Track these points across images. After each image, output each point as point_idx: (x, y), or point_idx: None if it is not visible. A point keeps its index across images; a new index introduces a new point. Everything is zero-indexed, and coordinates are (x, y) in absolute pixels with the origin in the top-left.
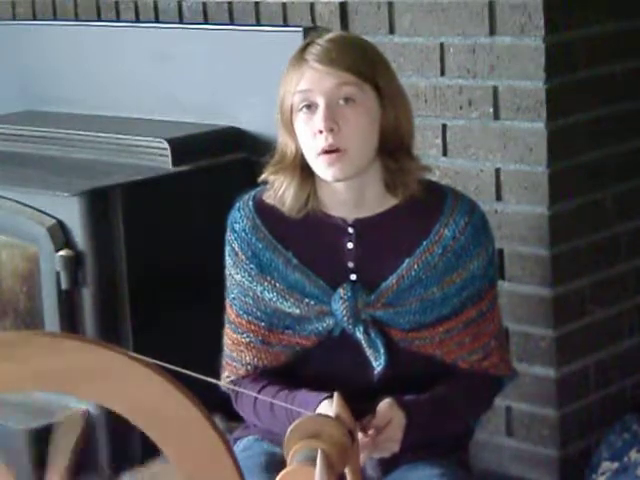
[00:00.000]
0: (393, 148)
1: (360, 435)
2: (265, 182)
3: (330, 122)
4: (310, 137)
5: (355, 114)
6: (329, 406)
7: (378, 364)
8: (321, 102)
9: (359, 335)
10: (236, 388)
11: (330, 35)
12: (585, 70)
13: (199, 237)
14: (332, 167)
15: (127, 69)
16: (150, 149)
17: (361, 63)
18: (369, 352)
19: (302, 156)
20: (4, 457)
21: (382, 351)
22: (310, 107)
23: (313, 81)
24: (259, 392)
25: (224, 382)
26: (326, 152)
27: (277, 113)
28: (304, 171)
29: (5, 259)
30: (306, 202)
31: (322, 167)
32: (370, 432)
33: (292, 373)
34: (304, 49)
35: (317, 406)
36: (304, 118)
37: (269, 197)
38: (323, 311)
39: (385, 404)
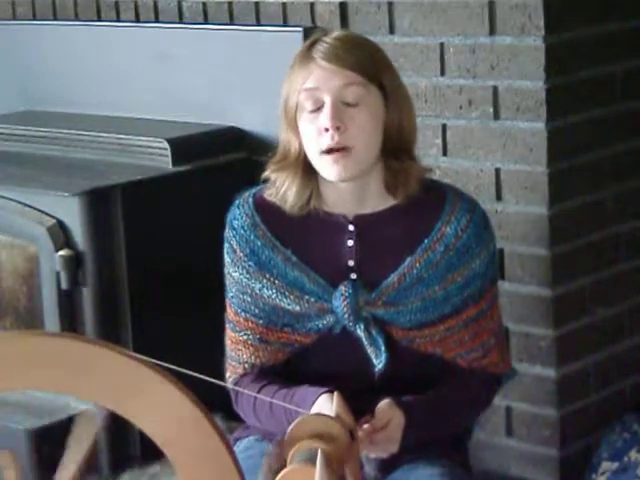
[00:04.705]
0: (396, 149)
1: (359, 434)
2: (267, 180)
3: (337, 121)
4: (315, 135)
5: (361, 114)
6: (326, 401)
7: (379, 362)
8: (328, 101)
9: (360, 333)
10: (236, 388)
11: (337, 33)
12: (585, 70)
13: (199, 237)
14: (337, 165)
15: (127, 69)
16: (150, 149)
17: (367, 63)
18: (370, 350)
19: (305, 154)
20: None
21: (383, 349)
22: (315, 106)
23: (320, 79)
24: (258, 392)
25: (227, 383)
26: (331, 150)
27: (281, 110)
28: (306, 169)
29: (5, 259)
30: (308, 200)
31: (326, 165)
32: (364, 427)
33: (293, 371)
34: (311, 46)
35: (314, 402)
36: (310, 117)
37: (270, 195)
38: (323, 308)
39: (384, 404)
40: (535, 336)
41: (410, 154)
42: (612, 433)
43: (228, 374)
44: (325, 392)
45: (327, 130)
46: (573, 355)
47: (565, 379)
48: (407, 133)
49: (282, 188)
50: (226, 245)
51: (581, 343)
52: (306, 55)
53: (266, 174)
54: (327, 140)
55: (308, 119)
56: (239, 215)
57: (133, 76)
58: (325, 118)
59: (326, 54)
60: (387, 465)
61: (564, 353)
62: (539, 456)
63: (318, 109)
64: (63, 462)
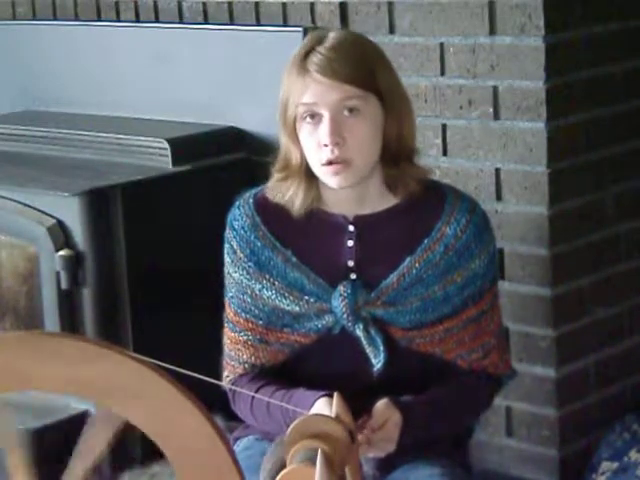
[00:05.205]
0: (395, 153)
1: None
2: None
3: (335, 136)
4: (314, 148)
5: (359, 124)
6: (325, 404)
7: (377, 361)
8: (326, 114)
9: (359, 333)
10: (234, 387)
11: (331, 41)
12: (585, 70)
13: (199, 237)
14: (337, 176)
15: (127, 69)
16: (150, 149)
17: (364, 73)
18: (369, 350)
19: (307, 162)
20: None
21: (382, 349)
22: (314, 117)
23: (317, 94)
24: (256, 391)
25: (224, 382)
26: (331, 163)
27: (279, 116)
28: (309, 174)
29: (5, 259)
30: (310, 202)
31: (327, 176)
32: (365, 432)
33: (291, 372)
34: (305, 56)
35: (313, 404)
36: (309, 128)
37: (274, 198)
38: (323, 309)
39: (381, 404)
40: (535, 336)
41: (410, 159)
42: (612, 433)
43: (226, 373)
44: (323, 395)
45: (326, 145)
46: (573, 355)
47: (565, 379)
48: (406, 139)
49: (288, 194)
50: (226, 246)
51: (581, 343)
52: (301, 67)
53: (270, 184)
54: (327, 154)
55: (307, 131)
56: (239, 216)
57: (133, 76)
58: (324, 134)
59: (321, 67)
60: (386, 464)
61: (564, 353)
62: (539, 456)
63: (316, 121)
64: (70, 466)
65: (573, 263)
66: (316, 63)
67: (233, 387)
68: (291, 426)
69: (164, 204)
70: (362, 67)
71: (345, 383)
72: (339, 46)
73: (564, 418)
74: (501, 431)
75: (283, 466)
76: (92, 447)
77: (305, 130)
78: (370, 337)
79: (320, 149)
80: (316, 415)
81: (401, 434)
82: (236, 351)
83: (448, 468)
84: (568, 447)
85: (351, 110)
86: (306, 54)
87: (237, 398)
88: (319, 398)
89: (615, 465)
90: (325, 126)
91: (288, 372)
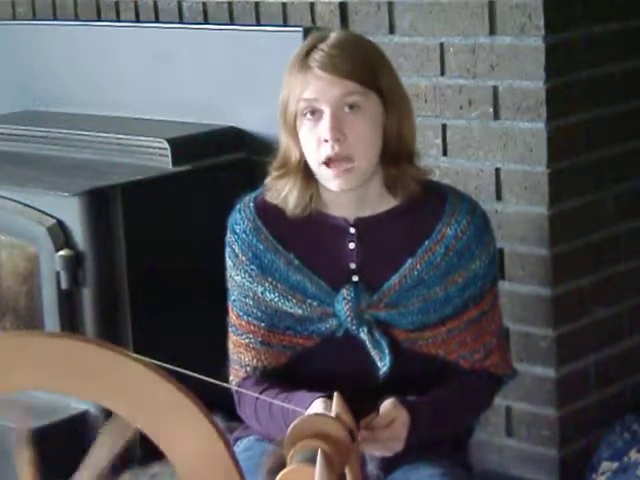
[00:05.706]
0: (395, 155)
1: (363, 432)
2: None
3: (336, 132)
4: (314, 145)
5: (360, 121)
6: (322, 405)
7: (383, 364)
8: (326, 110)
9: (363, 336)
10: (238, 389)
11: (333, 39)
12: (585, 70)
13: (199, 237)
14: (339, 179)
15: (127, 69)
16: (150, 149)
17: (365, 70)
18: (374, 353)
19: (305, 160)
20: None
21: (387, 351)
22: (314, 113)
23: (318, 90)
24: (260, 394)
25: (230, 385)
26: (331, 160)
27: (280, 117)
28: (307, 174)
29: (5, 259)
30: (308, 202)
31: (328, 178)
32: (366, 432)
33: (295, 374)
34: (307, 54)
35: (310, 405)
36: (309, 125)
37: (270, 198)
38: (326, 312)
39: (388, 403)
40: (535, 336)
41: (410, 160)
42: (612, 433)
43: (231, 377)
44: (321, 396)
45: (326, 141)
46: (573, 355)
47: (565, 379)
48: (406, 139)
49: (283, 193)
50: (228, 249)
51: (581, 343)
52: (302, 64)
53: (267, 181)
54: (327, 151)
55: (307, 127)
56: (241, 219)
57: (133, 76)
58: (324, 129)
59: (323, 64)
60: (389, 464)
61: (564, 353)
62: (539, 456)
63: (317, 118)
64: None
65: (573, 263)
66: (317, 60)
67: (238, 388)
68: (291, 426)
69: (164, 204)
70: (363, 64)
71: (349, 385)
72: (340, 44)
73: (564, 418)
74: (501, 431)
75: (283, 466)
76: (100, 456)
77: (305, 127)
78: (375, 340)
79: (320, 146)
80: (316, 415)
81: (408, 433)
82: (238, 354)
83: (448, 468)
84: (568, 447)
85: (352, 107)
86: (308, 52)
87: (242, 402)
88: (316, 399)
89: (615, 465)
90: (326, 122)
91: (292, 375)
